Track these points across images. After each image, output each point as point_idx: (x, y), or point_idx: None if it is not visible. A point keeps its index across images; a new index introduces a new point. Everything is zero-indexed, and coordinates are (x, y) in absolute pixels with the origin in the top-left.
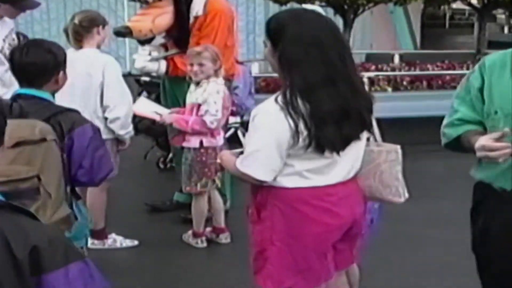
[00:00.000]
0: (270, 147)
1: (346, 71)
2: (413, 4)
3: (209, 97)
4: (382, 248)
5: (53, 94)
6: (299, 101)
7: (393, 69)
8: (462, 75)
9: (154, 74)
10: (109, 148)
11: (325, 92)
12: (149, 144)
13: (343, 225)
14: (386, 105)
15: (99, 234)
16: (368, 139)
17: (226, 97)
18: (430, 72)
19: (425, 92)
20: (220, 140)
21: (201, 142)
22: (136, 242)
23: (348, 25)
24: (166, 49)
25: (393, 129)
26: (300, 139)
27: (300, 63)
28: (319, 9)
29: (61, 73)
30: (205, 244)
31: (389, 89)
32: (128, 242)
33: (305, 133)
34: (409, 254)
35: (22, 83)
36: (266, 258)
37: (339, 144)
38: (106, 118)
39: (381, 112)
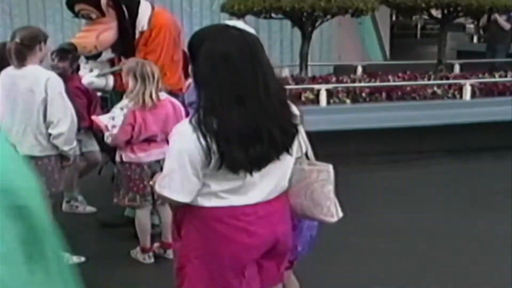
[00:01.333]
0: (185, 168)
1: (257, 90)
2: (382, 14)
3: (111, 112)
4: (327, 260)
5: None
6: (210, 120)
7: (353, 81)
8: (423, 86)
9: (102, 89)
10: (53, 164)
11: (233, 112)
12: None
13: (263, 243)
14: (344, 117)
15: None
16: (299, 157)
17: (133, 113)
18: (390, 83)
19: (384, 103)
20: (147, 156)
21: (121, 157)
22: (83, 259)
23: (306, 37)
24: (113, 64)
25: (351, 140)
26: (213, 159)
27: (209, 81)
28: (241, 25)
29: None
30: (152, 260)
31: (348, 100)
32: (74, 259)
33: (217, 153)
34: (355, 266)
35: None
36: (185, 275)
37: (249, 165)
38: (50, 134)
39: (339, 124)
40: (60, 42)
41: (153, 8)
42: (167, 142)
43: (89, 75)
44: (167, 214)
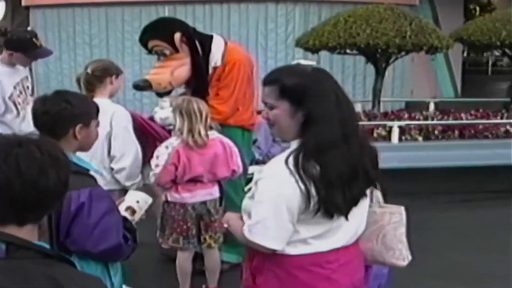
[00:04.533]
0: (281, 215)
1: (356, 128)
2: (455, 50)
3: (156, 151)
4: None
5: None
6: (311, 164)
7: (426, 118)
8: (496, 124)
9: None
10: (116, 199)
11: (338, 152)
12: None
13: None
14: (416, 154)
15: None
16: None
17: (177, 153)
18: (462, 121)
19: (456, 141)
20: (192, 197)
21: (166, 196)
22: None
23: (380, 73)
24: None
25: (422, 178)
26: (311, 204)
27: (321, 122)
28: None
29: (79, 127)
30: None
31: (420, 138)
32: None
33: (316, 198)
34: None
35: (49, 135)
36: None
37: (346, 207)
38: (112, 169)
39: (411, 161)
40: (137, 73)
41: (226, 43)
42: (217, 183)
43: (164, 111)
44: (213, 258)
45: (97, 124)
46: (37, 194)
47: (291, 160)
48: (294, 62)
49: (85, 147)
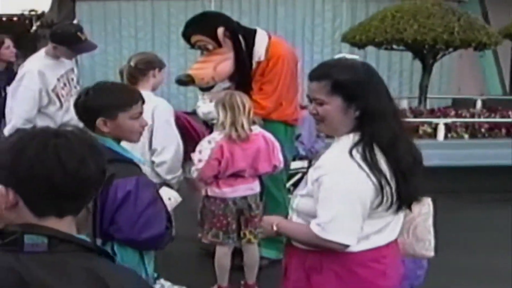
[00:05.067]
0: (355, 210)
1: (402, 123)
2: (504, 48)
3: (198, 145)
4: None
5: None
6: (379, 157)
7: (472, 115)
8: None
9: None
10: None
11: (403, 145)
12: None
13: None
14: (462, 152)
15: None
16: None
17: (220, 148)
18: (510, 119)
19: (503, 139)
20: (232, 191)
21: (206, 191)
22: None
23: (427, 69)
24: None
25: (469, 176)
26: (385, 198)
27: (379, 117)
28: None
29: (121, 115)
30: None
31: (466, 136)
32: None
33: (389, 191)
34: None
35: (86, 126)
36: None
37: (412, 199)
38: (153, 162)
39: (456, 159)
40: (182, 67)
41: (269, 37)
42: (258, 177)
43: (206, 105)
44: (252, 254)
45: (134, 116)
46: (77, 185)
47: (355, 153)
48: (337, 56)
49: (125, 138)
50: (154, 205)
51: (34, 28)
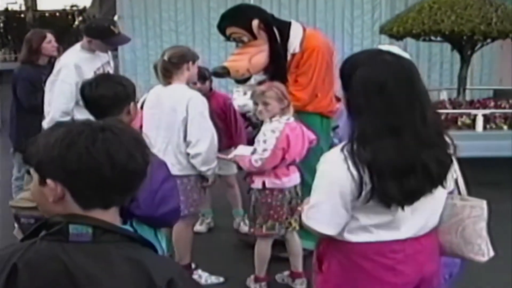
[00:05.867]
0: (334, 199)
1: (414, 120)
2: None
3: (261, 135)
4: None
5: None
6: (366, 151)
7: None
8: None
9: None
10: (193, 184)
11: (388, 143)
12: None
13: (407, 284)
14: (501, 143)
15: None
16: (451, 192)
17: (286, 137)
18: None
19: None
20: (289, 181)
21: (263, 183)
22: (221, 279)
23: (465, 60)
24: None
25: (508, 168)
26: (363, 191)
27: (362, 111)
28: (396, 49)
29: (132, 104)
30: None
31: (505, 127)
32: (213, 279)
33: (369, 185)
34: None
35: (95, 117)
36: None
37: (402, 199)
38: (188, 154)
39: (495, 150)
40: (223, 60)
41: (304, 29)
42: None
43: (242, 98)
44: (295, 243)
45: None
46: (125, 177)
47: (346, 146)
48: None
49: (131, 122)
50: (168, 182)
51: (76, 23)
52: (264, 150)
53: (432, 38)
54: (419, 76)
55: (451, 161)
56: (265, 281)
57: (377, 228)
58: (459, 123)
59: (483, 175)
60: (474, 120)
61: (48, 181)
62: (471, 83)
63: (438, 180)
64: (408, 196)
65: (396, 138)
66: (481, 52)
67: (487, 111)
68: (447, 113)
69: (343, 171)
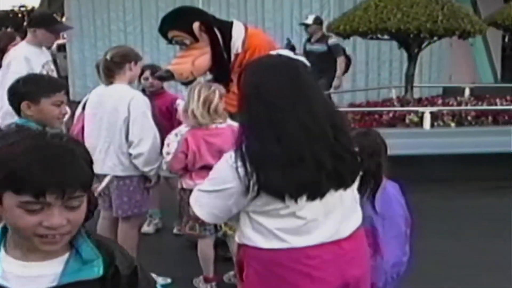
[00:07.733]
0: (216, 191)
1: (296, 114)
2: (495, 36)
3: (166, 139)
4: None
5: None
6: (251, 145)
7: (459, 104)
8: None
9: None
10: (135, 185)
11: (269, 135)
12: None
13: None
14: (448, 140)
15: None
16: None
17: (185, 141)
18: (496, 107)
19: (490, 127)
20: None
21: (181, 183)
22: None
23: (412, 58)
24: None
25: (457, 164)
26: (251, 185)
27: (245, 109)
28: (287, 53)
29: (44, 100)
30: None
31: (453, 124)
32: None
33: (254, 178)
34: None
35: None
36: None
37: (293, 190)
38: (130, 154)
39: (443, 148)
40: (171, 60)
41: (246, 29)
42: None
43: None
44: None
45: (56, 103)
46: None
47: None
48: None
49: (46, 122)
50: None
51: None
52: (167, 153)
53: (379, 36)
54: (306, 73)
55: (355, 157)
56: (214, 281)
57: (288, 234)
58: (407, 120)
59: (431, 172)
60: (421, 117)
61: None
62: (421, 81)
63: (340, 177)
64: (299, 187)
65: (279, 130)
66: (430, 50)
67: (434, 109)
68: (395, 111)
69: (228, 165)
